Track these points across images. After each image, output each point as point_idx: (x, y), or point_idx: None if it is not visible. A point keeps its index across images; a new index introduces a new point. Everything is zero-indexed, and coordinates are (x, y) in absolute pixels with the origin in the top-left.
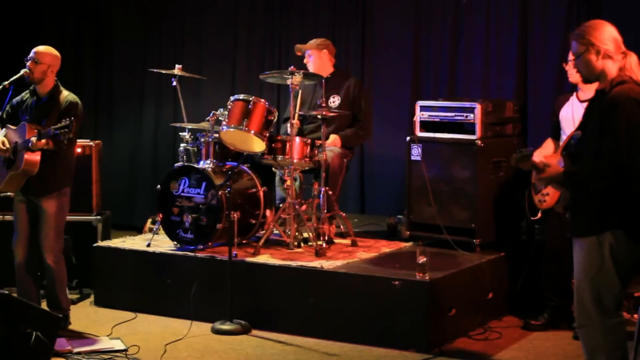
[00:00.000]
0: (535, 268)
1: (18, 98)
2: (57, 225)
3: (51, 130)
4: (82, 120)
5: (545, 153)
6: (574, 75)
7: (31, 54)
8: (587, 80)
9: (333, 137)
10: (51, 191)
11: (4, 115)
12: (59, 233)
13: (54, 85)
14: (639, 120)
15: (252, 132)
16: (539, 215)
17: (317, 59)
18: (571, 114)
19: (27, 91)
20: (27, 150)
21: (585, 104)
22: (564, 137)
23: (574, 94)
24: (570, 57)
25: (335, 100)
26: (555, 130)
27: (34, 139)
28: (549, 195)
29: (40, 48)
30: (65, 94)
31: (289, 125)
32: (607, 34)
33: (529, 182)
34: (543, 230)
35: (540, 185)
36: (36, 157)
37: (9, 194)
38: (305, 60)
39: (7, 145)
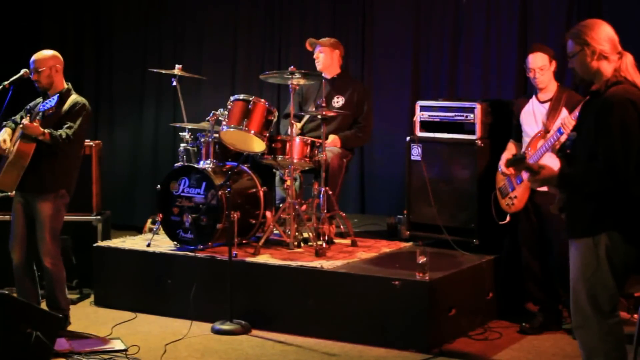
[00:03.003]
0: (513, 269)
1: (32, 102)
2: (53, 228)
3: (40, 110)
4: (89, 122)
5: (508, 156)
6: (542, 82)
7: (31, 66)
8: (582, 79)
9: (332, 137)
10: (47, 191)
11: (19, 119)
12: (54, 236)
13: (64, 87)
14: (633, 122)
15: (252, 132)
16: (508, 219)
17: (329, 57)
18: (532, 114)
19: (40, 97)
20: (21, 138)
21: (546, 105)
22: (525, 138)
23: (533, 95)
24: (530, 65)
25: (339, 101)
26: (516, 133)
27: (25, 120)
28: (517, 198)
29: (37, 56)
30: (74, 97)
31: (288, 124)
32: (603, 34)
33: (494, 186)
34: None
35: (535, 186)
36: (29, 147)
37: (8, 194)
38: (315, 55)
39: (8, 144)
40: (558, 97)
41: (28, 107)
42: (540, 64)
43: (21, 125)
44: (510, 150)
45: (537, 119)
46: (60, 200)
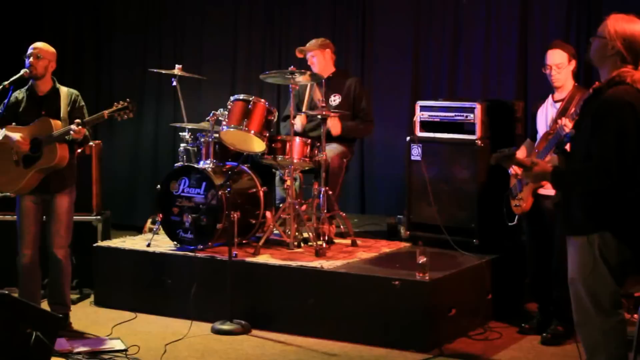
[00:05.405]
0: (513, 269)
1: (11, 99)
2: (69, 220)
3: (106, 115)
4: None
5: (520, 154)
6: (558, 80)
7: (31, 50)
8: (589, 61)
9: (334, 121)
10: (67, 187)
11: None
12: (69, 228)
13: (52, 81)
14: (630, 124)
15: (252, 132)
16: (516, 220)
17: (321, 59)
18: (544, 114)
19: (19, 91)
20: (58, 142)
21: (558, 104)
22: (539, 137)
23: (550, 95)
24: (548, 62)
25: (335, 99)
26: (533, 133)
27: (75, 126)
28: (523, 200)
29: (39, 44)
30: (65, 88)
31: (289, 124)
32: (635, 42)
33: (494, 186)
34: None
35: (530, 182)
36: (66, 151)
37: (8, 193)
38: (309, 62)
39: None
40: (571, 97)
41: (7, 103)
42: (557, 61)
43: (72, 132)
44: (521, 150)
45: (548, 118)
46: (74, 194)
